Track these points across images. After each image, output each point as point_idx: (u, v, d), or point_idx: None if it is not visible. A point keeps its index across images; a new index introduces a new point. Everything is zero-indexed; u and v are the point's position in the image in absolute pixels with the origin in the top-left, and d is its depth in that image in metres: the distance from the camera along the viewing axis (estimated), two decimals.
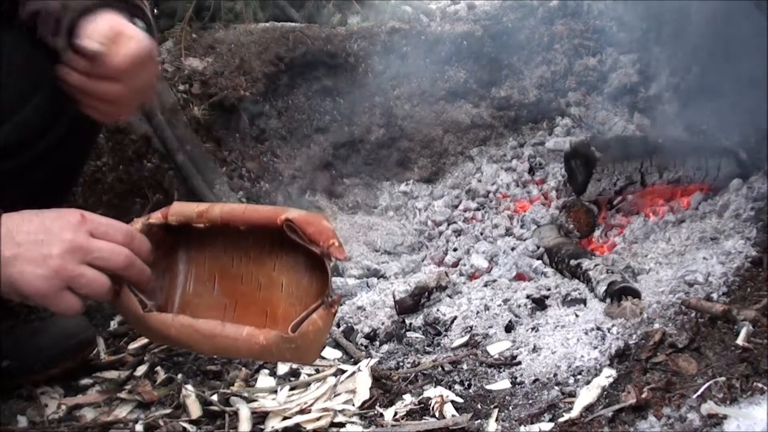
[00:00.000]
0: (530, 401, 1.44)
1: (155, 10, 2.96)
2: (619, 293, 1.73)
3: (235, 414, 1.45)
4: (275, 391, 1.56)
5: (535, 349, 1.63)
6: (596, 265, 1.88)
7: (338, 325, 1.88)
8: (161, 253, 1.16)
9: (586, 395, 1.39)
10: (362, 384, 1.53)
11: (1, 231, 0.97)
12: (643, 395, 1.31)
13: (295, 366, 1.70)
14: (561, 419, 1.34)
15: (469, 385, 1.55)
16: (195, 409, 1.48)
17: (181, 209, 1.12)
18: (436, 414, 1.42)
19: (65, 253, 0.97)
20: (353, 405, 1.48)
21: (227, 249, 1.18)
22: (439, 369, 1.61)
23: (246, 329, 1.03)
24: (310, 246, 1.06)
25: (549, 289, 1.91)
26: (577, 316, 1.74)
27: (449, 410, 1.42)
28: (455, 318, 1.84)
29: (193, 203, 1.15)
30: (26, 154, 1.36)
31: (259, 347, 1.02)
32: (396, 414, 1.43)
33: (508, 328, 1.75)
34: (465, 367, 1.62)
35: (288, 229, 1.07)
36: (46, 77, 1.31)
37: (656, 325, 1.57)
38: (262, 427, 1.43)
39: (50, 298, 0.98)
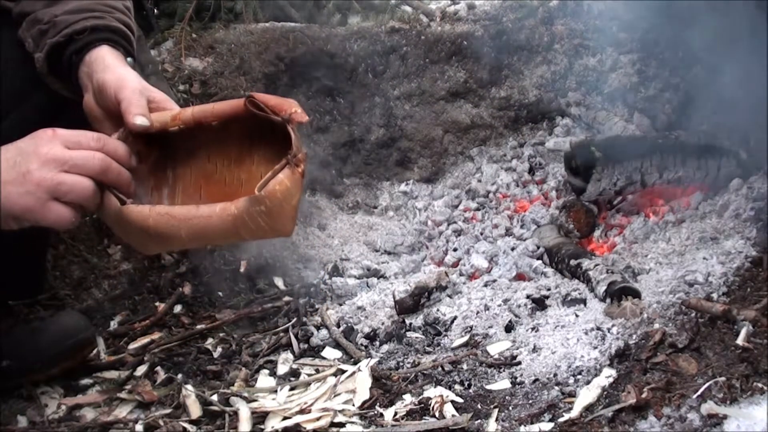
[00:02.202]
0: (530, 401, 1.44)
1: (155, 10, 2.96)
2: (619, 293, 1.72)
3: (235, 414, 1.45)
4: (275, 391, 1.56)
5: (535, 349, 1.63)
6: (596, 265, 1.88)
7: (338, 325, 1.88)
8: (146, 169, 1.18)
9: (586, 395, 1.39)
10: (362, 384, 1.53)
11: None
12: (643, 395, 1.31)
13: (295, 366, 1.71)
14: (561, 419, 1.34)
15: (469, 385, 1.55)
16: (195, 409, 1.48)
17: (157, 116, 1.14)
18: (436, 414, 1.42)
19: (42, 166, 1.01)
20: (353, 405, 1.48)
21: (211, 157, 1.20)
22: (439, 369, 1.61)
23: (219, 205, 1.03)
24: (272, 116, 1.08)
25: (549, 289, 1.91)
26: (577, 316, 1.74)
27: (449, 410, 1.42)
28: (455, 318, 1.84)
29: (166, 111, 1.17)
30: None
31: (232, 217, 1.02)
32: (396, 414, 1.43)
33: (508, 328, 1.75)
34: (465, 367, 1.62)
35: (251, 105, 1.10)
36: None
37: (656, 325, 1.57)
38: (262, 427, 1.43)
39: (39, 211, 1.01)
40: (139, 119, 1.12)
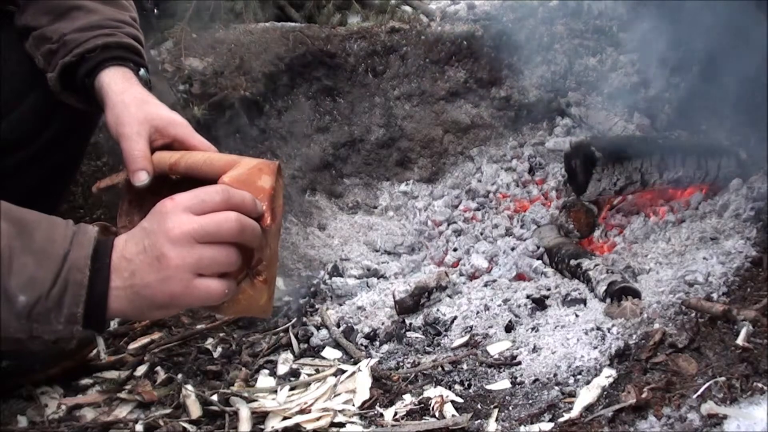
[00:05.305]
0: (530, 401, 1.44)
1: (155, 10, 2.96)
2: (619, 293, 1.72)
3: (235, 414, 1.45)
4: (275, 391, 1.56)
5: (535, 349, 1.63)
6: (596, 265, 1.88)
7: (338, 325, 1.88)
8: (136, 206, 1.17)
9: (586, 395, 1.39)
10: (362, 384, 1.53)
11: (115, 254, 0.91)
12: (643, 395, 1.31)
13: (295, 366, 1.71)
14: (561, 419, 1.34)
15: (469, 385, 1.55)
16: (195, 409, 1.48)
17: (157, 162, 1.14)
18: (436, 414, 1.42)
19: (174, 245, 0.89)
20: (353, 405, 1.48)
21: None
22: (439, 369, 1.61)
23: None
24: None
25: (549, 289, 1.91)
26: (577, 316, 1.74)
27: (449, 410, 1.42)
28: (455, 318, 1.84)
29: (167, 153, 1.15)
30: (23, 152, 1.36)
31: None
32: (396, 414, 1.43)
33: (508, 328, 1.75)
34: (465, 367, 1.62)
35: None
36: (41, 76, 1.31)
37: (656, 325, 1.57)
38: (262, 427, 1.43)
39: (185, 294, 0.91)
40: (139, 178, 1.11)
